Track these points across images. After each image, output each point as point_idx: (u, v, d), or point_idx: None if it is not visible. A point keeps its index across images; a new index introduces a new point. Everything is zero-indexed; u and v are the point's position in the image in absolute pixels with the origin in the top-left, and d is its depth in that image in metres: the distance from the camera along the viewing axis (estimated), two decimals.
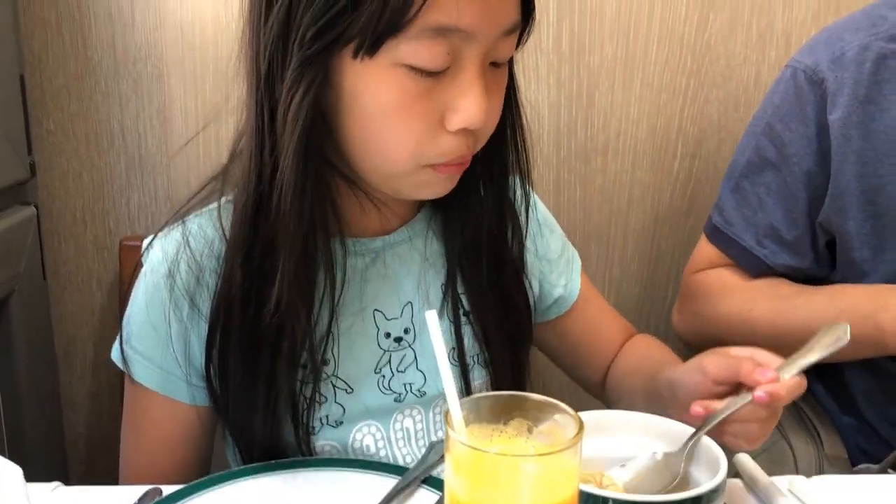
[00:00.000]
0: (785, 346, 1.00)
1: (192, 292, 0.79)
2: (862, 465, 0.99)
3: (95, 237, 1.30)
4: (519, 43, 0.77)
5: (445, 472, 0.56)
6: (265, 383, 0.79)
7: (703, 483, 0.65)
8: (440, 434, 0.87)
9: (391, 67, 0.69)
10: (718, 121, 1.32)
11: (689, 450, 0.71)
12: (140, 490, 0.75)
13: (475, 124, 0.72)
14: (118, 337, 0.83)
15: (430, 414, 0.87)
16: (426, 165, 0.74)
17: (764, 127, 1.03)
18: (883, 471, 0.92)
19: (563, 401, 0.58)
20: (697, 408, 0.72)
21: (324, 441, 0.83)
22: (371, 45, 0.68)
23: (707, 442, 0.72)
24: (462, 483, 0.55)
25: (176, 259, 0.80)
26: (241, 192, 0.77)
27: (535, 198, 0.95)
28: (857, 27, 0.97)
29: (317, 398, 0.81)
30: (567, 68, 1.29)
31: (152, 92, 1.26)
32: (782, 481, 0.77)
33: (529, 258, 0.92)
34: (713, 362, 0.75)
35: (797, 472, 1.02)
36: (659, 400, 0.82)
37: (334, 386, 0.83)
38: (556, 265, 0.97)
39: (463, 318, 0.87)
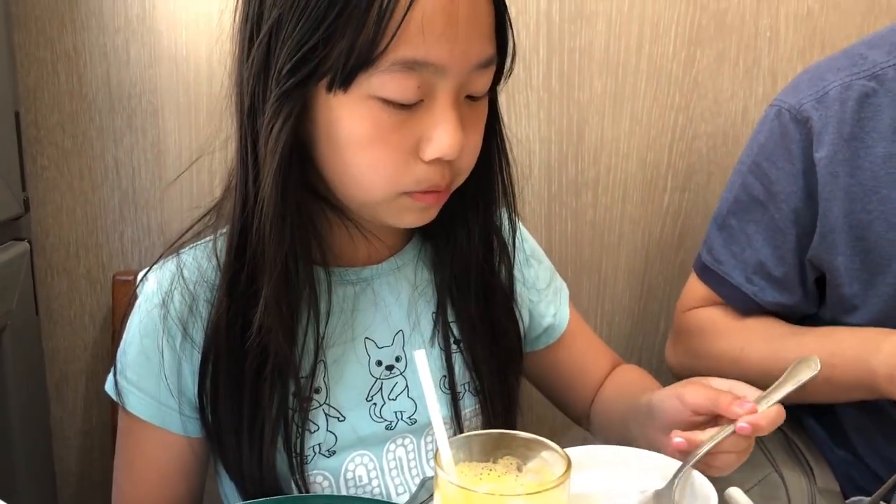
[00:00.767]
0: None
1: (184, 321, 0.81)
2: (854, 499, 0.98)
3: (88, 271, 1.30)
4: (501, 77, 0.80)
5: None
6: (254, 412, 0.80)
7: None
8: (433, 463, 0.87)
9: (365, 100, 0.72)
10: (707, 155, 1.34)
11: (677, 484, 0.71)
12: None
13: (449, 155, 0.73)
14: (112, 369, 0.84)
15: (422, 442, 0.87)
16: (402, 193, 0.76)
17: (750, 165, 1.05)
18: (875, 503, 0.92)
19: (554, 430, 0.59)
20: (679, 439, 0.73)
21: (316, 471, 0.83)
22: (343, 80, 0.71)
23: (698, 478, 0.72)
24: None
25: (170, 290, 0.81)
26: (229, 222, 0.80)
27: (522, 229, 0.97)
28: (839, 67, 0.99)
29: (308, 426, 0.82)
30: (557, 104, 1.30)
31: (146, 127, 1.27)
32: None
33: (518, 287, 0.94)
34: (692, 392, 0.76)
35: None
36: (637, 422, 0.84)
37: (326, 414, 0.84)
38: (544, 295, 0.98)
39: (454, 347, 0.88)
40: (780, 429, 1.11)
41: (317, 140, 0.76)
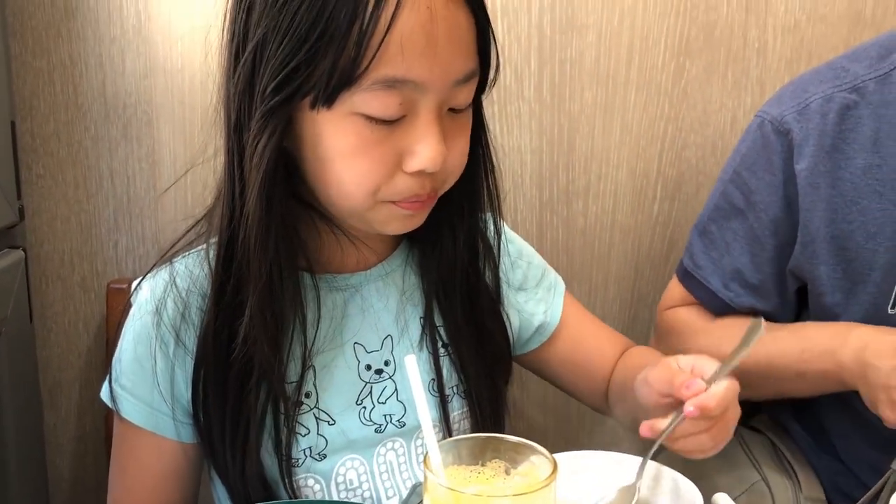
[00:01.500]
0: (753, 383, 1.02)
1: (177, 328, 0.82)
2: None
3: (83, 280, 1.31)
4: (484, 89, 0.81)
5: None
6: (244, 417, 0.81)
7: None
8: (423, 467, 0.88)
9: (348, 116, 0.73)
10: (696, 165, 1.35)
11: (639, 478, 0.73)
12: None
13: (431, 168, 0.75)
14: (107, 376, 0.85)
15: (412, 446, 0.88)
16: (385, 201, 0.78)
17: (732, 174, 1.06)
18: None
19: (546, 436, 0.60)
20: (645, 429, 0.74)
21: (307, 474, 0.84)
22: (327, 98, 0.73)
23: (685, 483, 0.73)
24: None
25: (163, 298, 0.83)
26: (217, 233, 0.81)
27: (508, 231, 0.98)
28: (821, 79, 1.00)
29: (298, 430, 0.83)
30: (548, 115, 1.32)
31: (141, 137, 1.28)
32: None
33: (504, 290, 0.95)
34: (655, 375, 0.78)
35: None
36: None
37: (316, 418, 0.85)
38: (532, 294, 0.99)
39: (441, 350, 0.90)
40: (765, 435, 1.13)
41: (302, 153, 0.78)
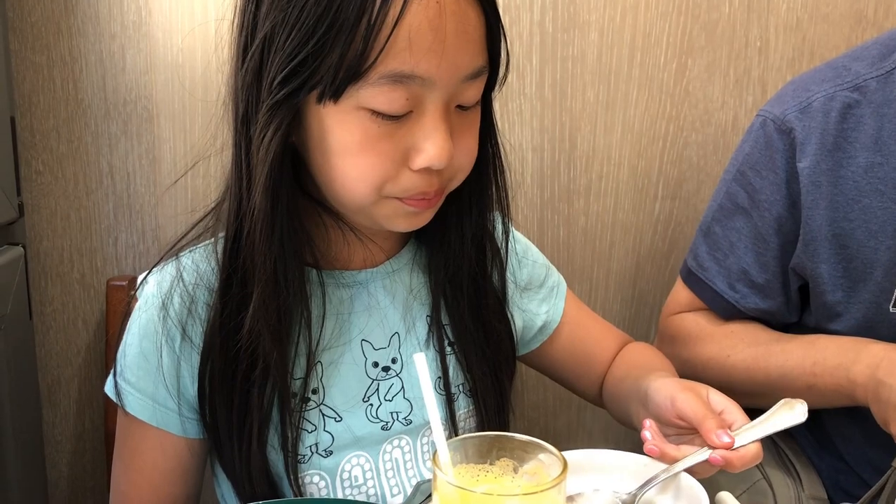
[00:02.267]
0: (760, 392, 1.03)
1: (184, 323, 0.82)
2: None
3: (82, 276, 1.31)
4: (494, 86, 0.81)
5: None
6: (250, 412, 0.81)
7: None
8: (429, 464, 0.88)
9: (354, 111, 0.73)
10: (697, 163, 1.35)
11: (642, 494, 0.73)
12: None
13: (437, 165, 0.75)
14: (112, 371, 0.85)
15: (418, 443, 0.88)
16: (391, 197, 0.77)
17: (735, 174, 1.06)
18: None
19: (546, 435, 0.60)
20: (653, 447, 0.75)
21: (313, 470, 0.84)
22: (334, 92, 0.72)
23: (689, 481, 0.73)
24: None
25: (169, 292, 0.82)
26: (224, 227, 0.81)
27: (513, 231, 0.98)
28: (823, 78, 1.01)
29: (304, 426, 0.83)
30: (550, 113, 1.32)
31: (142, 133, 1.27)
32: None
33: (510, 290, 0.95)
34: (684, 400, 0.78)
35: None
36: (635, 402, 0.86)
37: (323, 414, 0.85)
38: (536, 294, 1.00)
39: (448, 349, 0.90)
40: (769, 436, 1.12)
41: (309, 148, 0.78)
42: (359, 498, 0.85)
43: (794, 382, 0.99)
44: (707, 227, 1.10)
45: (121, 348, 0.85)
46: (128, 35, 1.24)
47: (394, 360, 0.88)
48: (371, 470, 0.86)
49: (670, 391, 0.79)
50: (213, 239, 0.83)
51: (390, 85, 0.71)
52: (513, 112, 1.31)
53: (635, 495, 0.73)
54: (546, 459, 0.60)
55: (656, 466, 0.75)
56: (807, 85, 1.02)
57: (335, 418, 0.85)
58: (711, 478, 0.86)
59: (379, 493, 0.86)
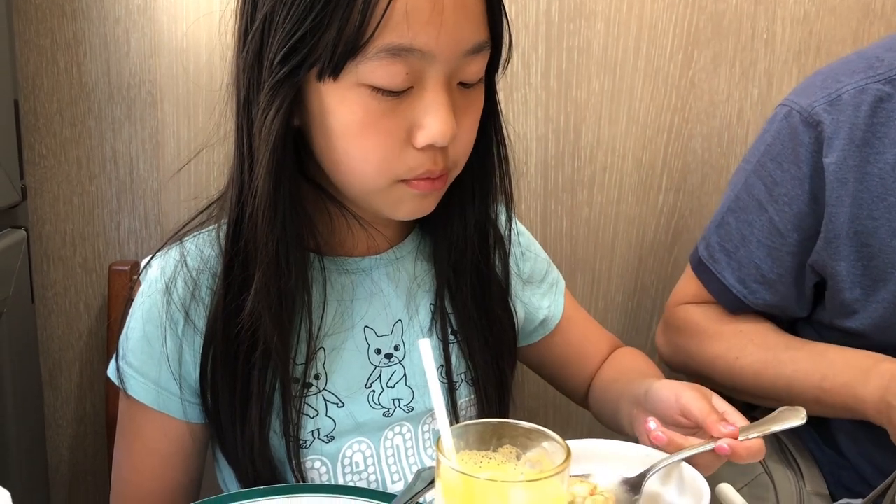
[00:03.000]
0: (767, 396, 1.02)
1: (187, 307, 0.82)
2: (843, 501, 0.99)
3: (84, 261, 1.30)
4: (497, 65, 0.80)
5: (436, 497, 0.57)
6: (252, 397, 0.81)
7: None
8: (430, 451, 0.88)
9: (354, 87, 0.73)
10: (702, 156, 1.35)
11: (649, 476, 0.73)
12: None
13: (440, 141, 0.74)
14: (115, 354, 0.85)
15: (419, 431, 0.88)
16: (397, 181, 0.77)
17: (755, 165, 1.03)
18: None
19: (547, 419, 0.60)
20: (660, 434, 0.75)
21: (314, 456, 0.84)
22: (333, 68, 0.72)
23: (692, 473, 0.73)
24: None
25: (173, 276, 0.83)
26: (228, 213, 0.81)
27: (518, 224, 0.98)
28: (854, 69, 0.97)
29: (306, 412, 0.83)
30: (555, 103, 1.31)
31: (145, 118, 1.27)
32: None
33: (513, 280, 0.95)
34: (689, 398, 0.77)
35: None
36: (629, 403, 0.86)
37: (325, 400, 0.85)
38: (538, 288, 1.00)
39: (451, 337, 0.90)
40: None
41: (312, 130, 0.77)
42: (359, 484, 0.85)
43: (802, 394, 0.97)
44: (721, 218, 1.07)
45: (123, 332, 0.85)
46: (132, 19, 1.23)
47: (396, 348, 0.88)
48: (372, 456, 0.86)
49: (675, 388, 0.79)
50: (216, 225, 0.83)
51: (389, 59, 0.71)
52: (517, 101, 1.30)
53: (642, 476, 0.73)
54: (549, 447, 0.60)
55: (658, 456, 0.75)
56: (836, 76, 0.98)
57: (337, 404, 0.85)
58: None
59: (379, 480, 0.86)
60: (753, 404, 1.08)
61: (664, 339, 1.15)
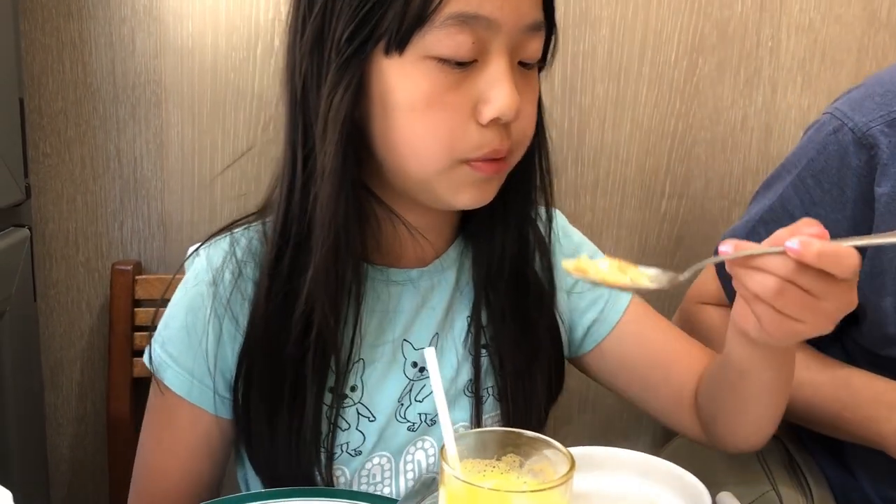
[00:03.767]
0: (789, 418, 0.95)
1: (232, 300, 0.81)
2: None
3: (87, 260, 1.31)
4: (546, 54, 0.81)
5: None
6: (290, 403, 0.80)
7: None
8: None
9: (420, 61, 0.73)
10: (706, 162, 1.35)
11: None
12: None
13: (507, 115, 0.73)
14: (151, 340, 0.84)
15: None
16: (461, 161, 0.75)
17: (794, 178, 0.93)
18: None
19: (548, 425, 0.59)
20: (727, 244, 0.65)
21: (336, 466, 0.83)
22: (400, 40, 0.72)
23: (692, 479, 0.73)
24: None
25: (221, 268, 0.82)
26: (274, 210, 0.80)
27: (567, 225, 0.97)
28: None
29: (339, 424, 0.82)
30: (559, 107, 1.31)
31: (150, 117, 1.27)
32: None
33: (557, 284, 0.91)
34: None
35: None
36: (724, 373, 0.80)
37: (359, 413, 0.84)
38: (583, 286, 0.92)
39: (483, 351, 0.88)
40: (782, 442, 1.07)
41: (371, 115, 0.76)
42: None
43: (821, 420, 0.94)
44: (752, 227, 0.97)
45: (163, 320, 0.84)
46: (138, 18, 1.23)
47: None
48: (390, 470, 0.85)
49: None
50: (265, 220, 0.83)
51: (457, 27, 0.71)
52: None
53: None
54: (552, 456, 0.60)
55: (657, 464, 0.75)
56: None
57: (369, 418, 0.84)
58: (715, 479, 0.85)
59: (394, 493, 0.85)
60: None
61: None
